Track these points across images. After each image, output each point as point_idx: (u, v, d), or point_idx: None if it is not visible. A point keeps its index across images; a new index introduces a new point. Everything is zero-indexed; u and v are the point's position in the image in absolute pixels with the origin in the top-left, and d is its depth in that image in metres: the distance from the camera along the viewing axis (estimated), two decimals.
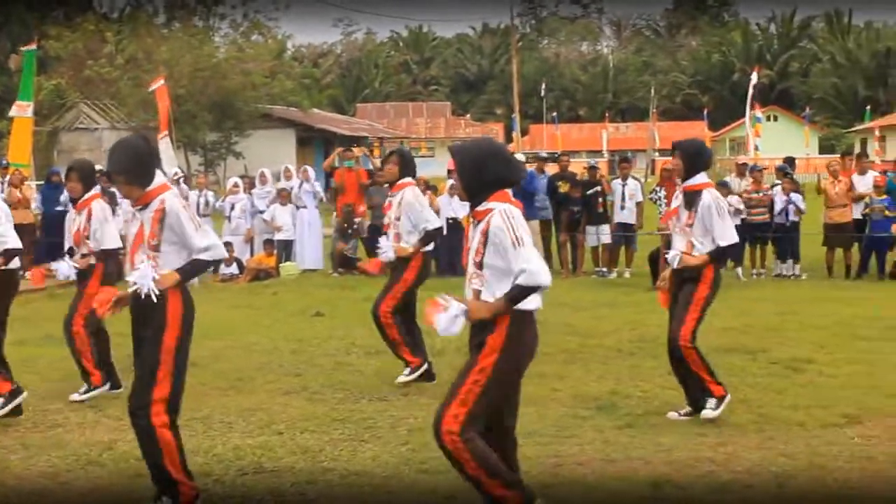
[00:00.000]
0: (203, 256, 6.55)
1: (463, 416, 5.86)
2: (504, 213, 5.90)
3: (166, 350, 6.45)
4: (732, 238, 8.79)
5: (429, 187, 20.97)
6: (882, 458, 7.72)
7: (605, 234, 20.14)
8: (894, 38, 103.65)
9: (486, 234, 5.90)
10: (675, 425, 8.64)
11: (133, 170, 6.55)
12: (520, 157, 21.73)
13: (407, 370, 10.39)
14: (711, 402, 8.76)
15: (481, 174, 5.99)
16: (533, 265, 5.75)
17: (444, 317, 5.94)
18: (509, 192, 6.08)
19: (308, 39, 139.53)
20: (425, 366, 10.40)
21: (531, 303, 5.93)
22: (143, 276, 6.42)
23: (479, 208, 6.00)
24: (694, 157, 8.88)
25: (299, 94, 53.47)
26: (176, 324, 6.49)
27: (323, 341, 12.90)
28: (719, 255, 8.85)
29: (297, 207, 21.39)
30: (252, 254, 21.18)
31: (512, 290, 5.81)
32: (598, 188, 20.16)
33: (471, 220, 6.12)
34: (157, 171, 6.69)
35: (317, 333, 13.50)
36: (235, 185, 21.89)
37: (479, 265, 5.96)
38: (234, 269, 20.36)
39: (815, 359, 11.52)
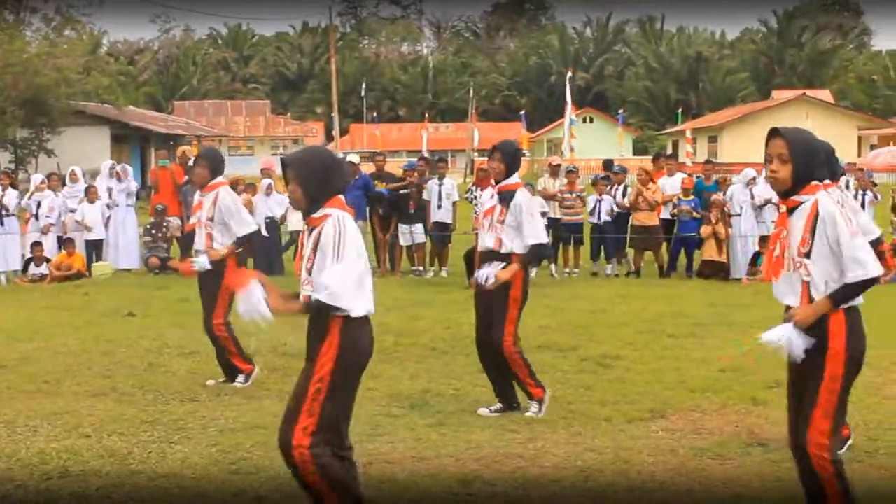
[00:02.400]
0: None
1: (312, 428, 5.76)
2: (338, 221, 5.78)
3: None
4: (542, 237, 9.00)
5: (247, 187, 20.84)
6: (684, 452, 7.95)
7: (418, 233, 20.15)
8: (705, 44, 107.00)
9: (317, 241, 5.80)
10: (487, 422, 8.73)
11: None
12: (354, 157, 21.59)
13: (241, 377, 10.27)
14: (534, 405, 9.03)
15: (324, 182, 5.86)
16: (334, 287, 5.69)
17: (248, 298, 5.93)
18: (342, 197, 5.98)
19: (124, 35, 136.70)
20: (257, 369, 10.38)
21: (364, 307, 5.89)
22: None
23: (316, 215, 5.86)
24: (512, 159, 9.06)
25: (115, 92, 52.32)
26: None
27: (134, 342, 12.64)
28: (532, 255, 9.00)
29: (108, 206, 20.93)
30: None
31: (312, 302, 5.78)
32: (408, 190, 20.09)
33: (306, 227, 5.98)
34: None
35: (128, 334, 13.21)
36: (42, 183, 21.29)
37: (311, 272, 5.85)
38: (43, 269, 19.84)
39: (624, 355, 11.80)
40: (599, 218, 20.16)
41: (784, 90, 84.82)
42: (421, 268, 20.29)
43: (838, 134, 57.54)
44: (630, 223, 20.22)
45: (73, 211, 20.76)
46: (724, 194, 20.35)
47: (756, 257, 18.62)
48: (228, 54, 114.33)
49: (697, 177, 22.12)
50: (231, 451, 7.85)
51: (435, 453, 7.91)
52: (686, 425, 8.76)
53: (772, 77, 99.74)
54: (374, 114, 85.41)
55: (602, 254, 20.46)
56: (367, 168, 22.11)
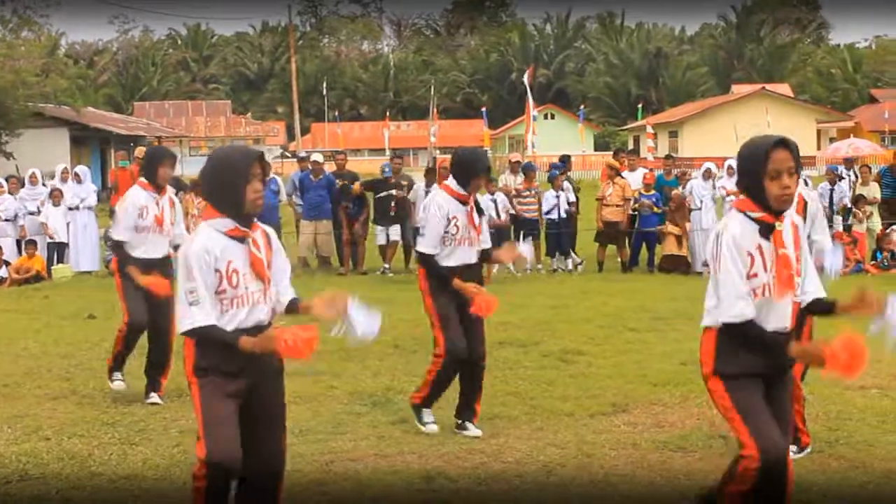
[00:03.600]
0: None
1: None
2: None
3: None
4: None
5: None
6: (645, 445, 7.98)
7: (395, 232, 20.16)
8: (664, 39, 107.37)
9: (270, 244, 5.64)
10: (449, 418, 8.68)
11: None
12: (318, 157, 21.49)
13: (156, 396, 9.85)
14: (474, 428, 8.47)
15: None
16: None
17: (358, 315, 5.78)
18: None
19: (82, 37, 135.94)
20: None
21: None
22: None
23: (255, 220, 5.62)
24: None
25: (73, 94, 51.99)
26: None
27: (95, 344, 12.58)
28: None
29: (70, 209, 20.83)
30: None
31: (294, 303, 5.67)
32: (393, 191, 20.05)
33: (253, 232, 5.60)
34: None
35: (89, 337, 13.17)
36: (0, 186, 21.13)
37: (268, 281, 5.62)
38: (2, 272, 19.70)
39: (585, 350, 11.83)
40: (559, 214, 20.21)
41: (743, 84, 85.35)
42: (387, 265, 20.27)
43: (797, 127, 58.04)
44: (602, 219, 20.29)
45: (32, 213, 20.65)
46: (684, 189, 20.44)
47: None
48: (188, 54, 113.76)
49: (658, 172, 22.20)
50: (193, 452, 7.79)
51: (397, 450, 7.90)
52: (648, 419, 8.79)
53: (731, 71, 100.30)
54: (336, 112, 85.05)
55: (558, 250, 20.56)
56: (329, 167, 22.07)
